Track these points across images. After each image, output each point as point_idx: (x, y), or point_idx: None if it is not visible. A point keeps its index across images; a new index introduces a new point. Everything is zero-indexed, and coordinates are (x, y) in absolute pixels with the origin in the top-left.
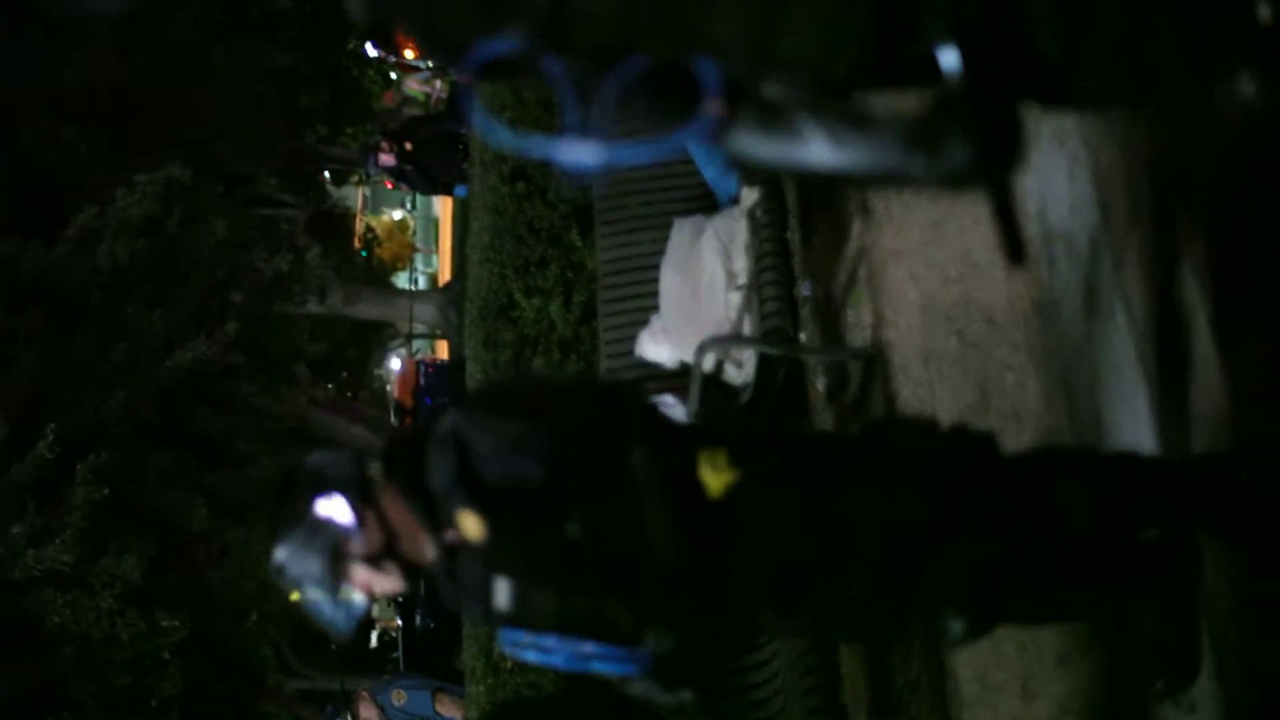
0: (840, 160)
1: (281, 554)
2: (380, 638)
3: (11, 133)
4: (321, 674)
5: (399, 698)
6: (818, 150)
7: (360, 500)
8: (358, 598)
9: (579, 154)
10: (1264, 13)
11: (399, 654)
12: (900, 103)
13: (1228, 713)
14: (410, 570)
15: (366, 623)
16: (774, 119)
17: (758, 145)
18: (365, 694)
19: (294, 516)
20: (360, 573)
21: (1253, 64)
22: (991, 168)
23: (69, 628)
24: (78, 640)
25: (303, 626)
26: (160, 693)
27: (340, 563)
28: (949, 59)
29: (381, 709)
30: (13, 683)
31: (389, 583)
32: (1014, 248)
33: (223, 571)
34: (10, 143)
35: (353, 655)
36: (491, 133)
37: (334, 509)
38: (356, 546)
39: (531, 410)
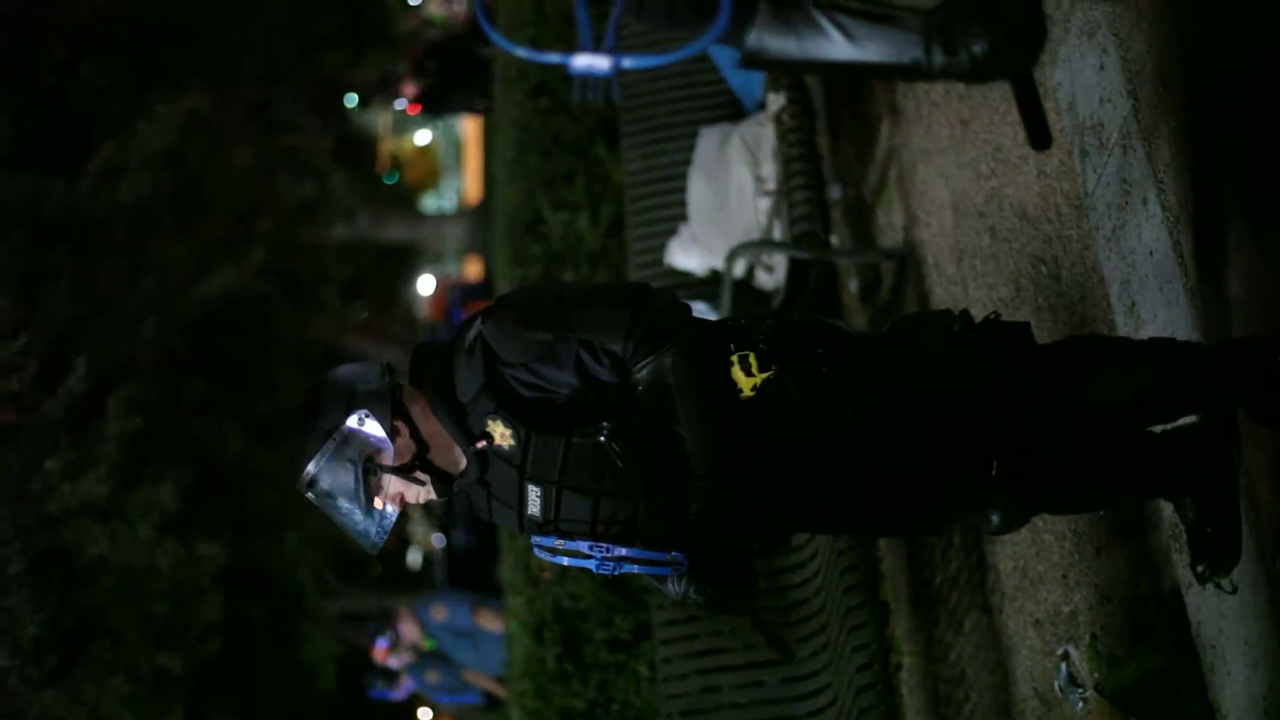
0: (858, 55)
1: (312, 468)
2: (422, 558)
3: (31, 68)
4: (362, 594)
5: (439, 612)
6: (835, 46)
7: (390, 411)
8: (390, 509)
9: (594, 64)
10: None
11: (439, 571)
12: None
13: (1270, 594)
14: (442, 479)
15: (404, 541)
16: (791, 16)
17: (776, 42)
18: (406, 610)
19: (324, 430)
20: (393, 484)
21: None
22: (1010, 58)
23: (108, 558)
24: (117, 570)
25: (341, 548)
26: (200, 620)
27: (372, 475)
28: None
29: (422, 624)
30: (53, 614)
31: (421, 493)
32: (1039, 134)
33: (259, 496)
34: (30, 78)
35: (392, 575)
36: (509, 47)
37: (364, 421)
38: (388, 458)
39: (560, 320)
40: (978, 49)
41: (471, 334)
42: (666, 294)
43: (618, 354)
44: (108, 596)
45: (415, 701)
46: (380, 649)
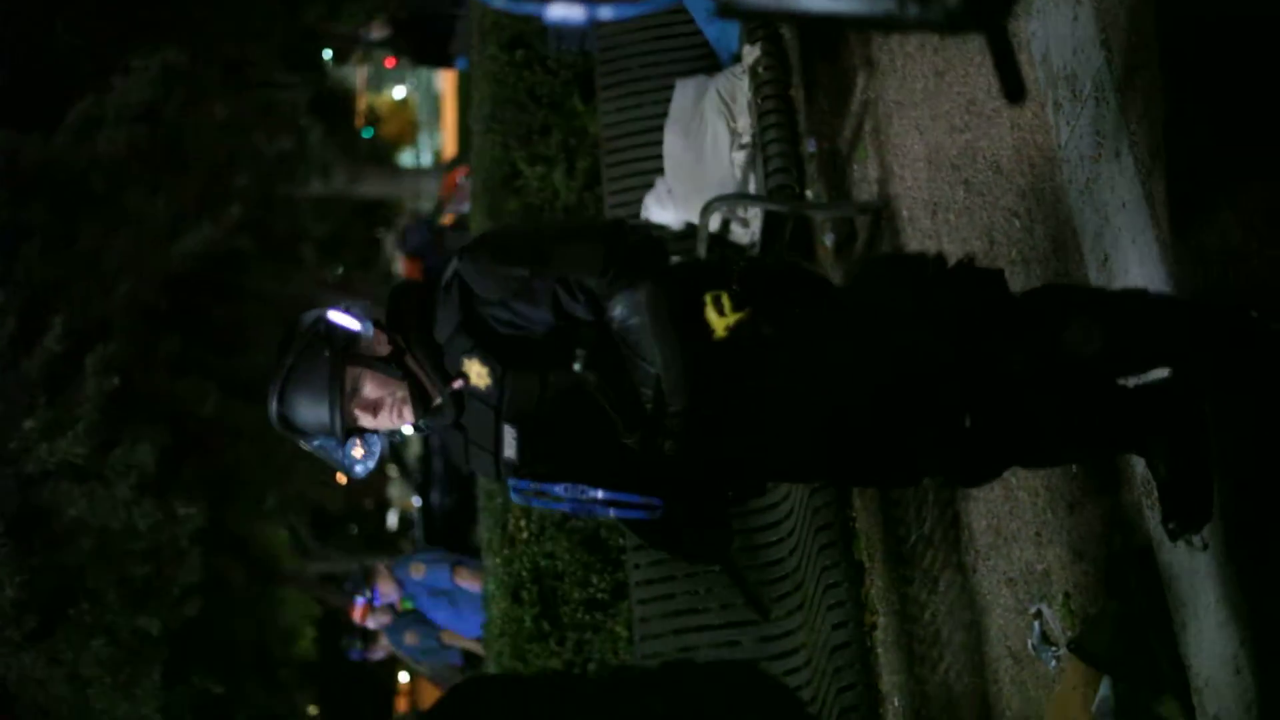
0: (833, 6)
1: (279, 385)
2: (400, 519)
3: (6, 23)
4: (340, 555)
5: (417, 570)
6: None
7: (370, 313)
8: (370, 443)
9: (569, 13)
10: None
11: (417, 532)
12: None
13: (1240, 549)
14: (420, 393)
15: (382, 503)
16: None
17: None
18: (383, 568)
19: (298, 333)
20: (369, 385)
21: None
22: (984, 9)
23: (86, 519)
24: (95, 531)
25: (321, 510)
26: (179, 581)
27: (349, 367)
28: None
29: (400, 583)
30: (31, 576)
31: (397, 409)
32: (1012, 86)
33: (238, 456)
34: (5, 34)
35: (371, 536)
36: None
37: (343, 313)
38: (364, 348)
39: (536, 256)
40: (951, 0)
41: (449, 273)
42: (641, 230)
43: (593, 289)
44: (86, 558)
45: (394, 664)
46: (358, 607)
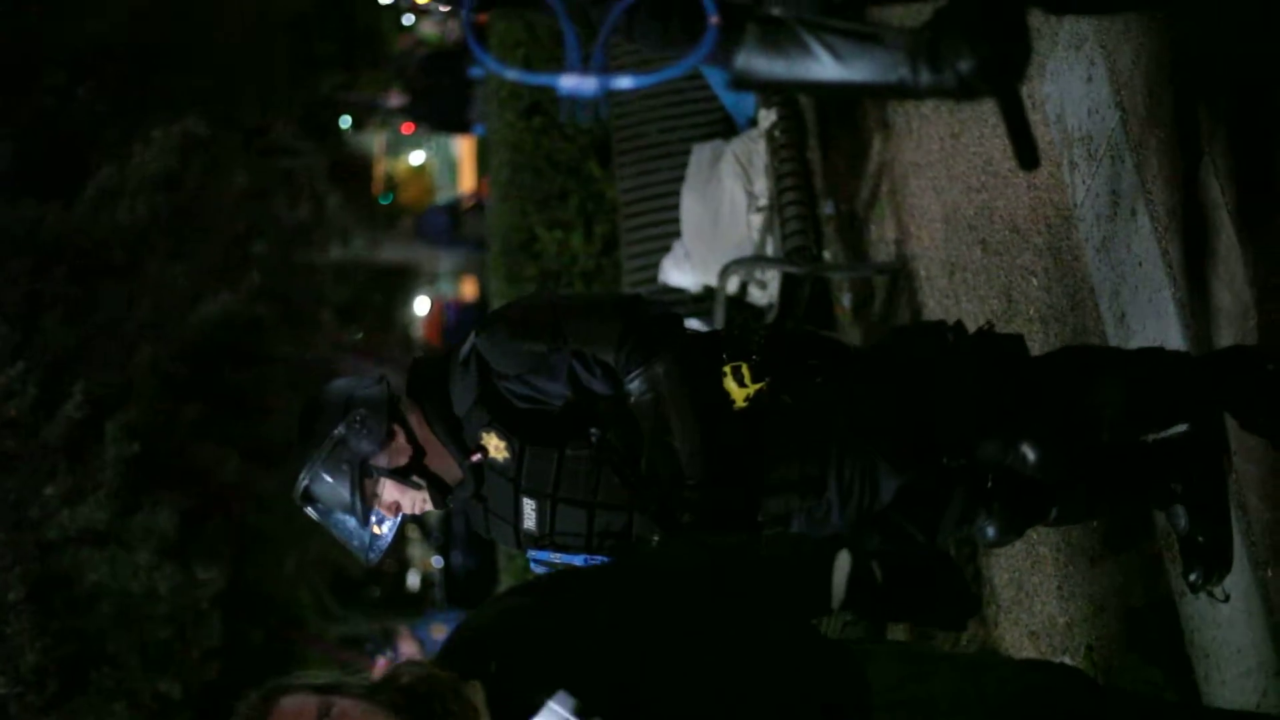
0: (847, 74)
1: (306, 474)
2: (421, 580)
3: (27, 93)
4: (362, 618)
5: (438, 632)
6: (824, 65)
7: (387, 412)
8: (386, 528)
9: (581, 84)
10: None
11: (439, 592)
12: (906, 13)
13: (1263, 601)
14: (439, 487)
15: (403, 563)
16: (778, 36)
17: (764, 63)
18: (405, 630)
19: (319, 435)
20: (388, 488)
21: None
22: (997, 76)
23: (107, 584)
24: (116, 596)
25: (341, 571)
26: (200, 644)
27: (368, 477)
28: None
29: (421, 643)
30: (53, 641)
31: (418, 501)
32: (1026, 152)
33: (258, 520)
34: (27, 104)
35: (392, 599)
36: (497, 68)
37: (360, 421)
38: (384, 459)
39: (553, 331)
40: (964, 67)
41: (466, 347)
42: (658, 305)
43: (610, 364)
44: (107, 622)
45: None
46: (380, 667)
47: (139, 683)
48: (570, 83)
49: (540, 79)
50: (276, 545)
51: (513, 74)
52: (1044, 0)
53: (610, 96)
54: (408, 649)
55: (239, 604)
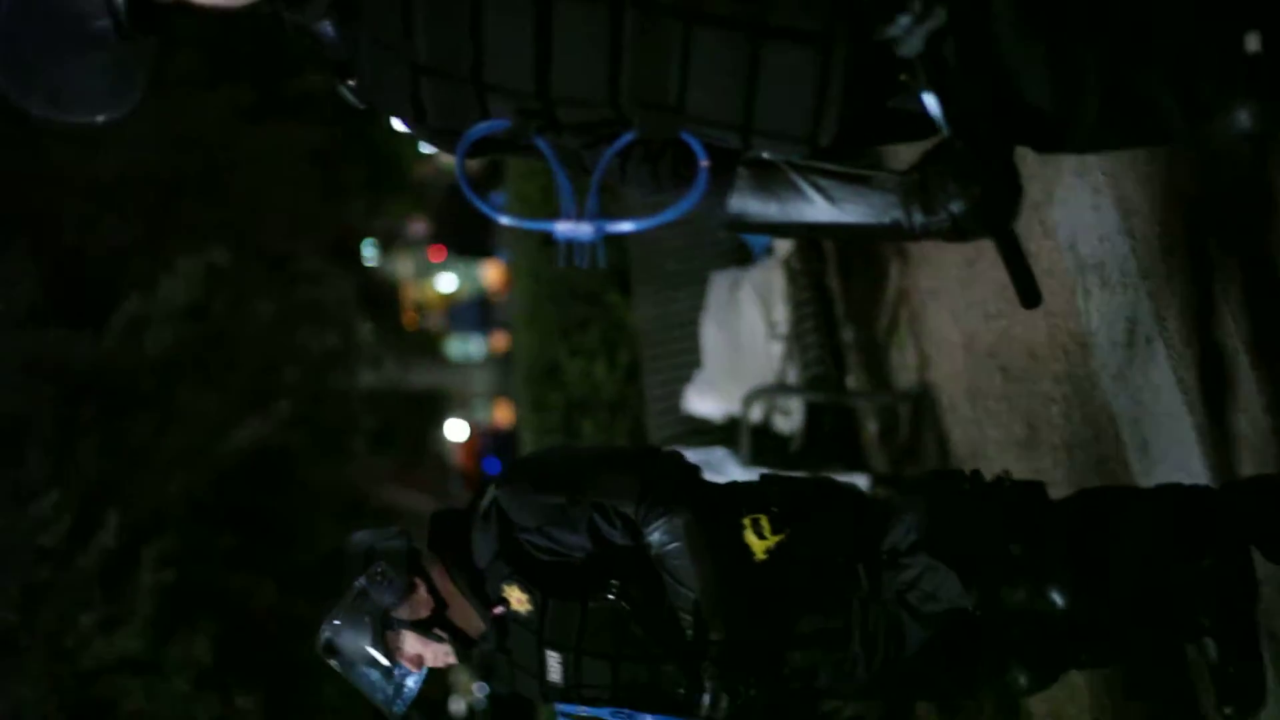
0: (840, 217)
1: (328, 629)
2: (466, 709)
3: (53, 225)
4: None
5: None
6: (816, 208)
7: (406, 564)
8: (410, 681)
9: (577, 230)
10: (1251, 44)
11: None
12: (895, 155)
13: None
14: (462, 639)
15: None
16: (770, 179)
17: (757, 206)
18: None
19: (342, 589)
20: (410, 642)
21: (1247, 95)
22: (989, 216)
23: (145, 712)
24: None
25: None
26: None
27: (390, 630)
28: (932, 106)
29: None
30: None
31: (440, 654)
32: (1027, 291)
33: (296, 647)
34: (53, 235)
35: None
36: (491, 214)
37: (380, 574)
38: (405, 612)
39: (573, 484)
40: (955, 208)
41: (486, 500)
42: (675, 456)
43: (630, 517)
44: None
45: None
46: None
47: None
48: (566, 228)
49: (535, 225)
50: (315, 672)
51: (506, 220)
52: (1033, 140)
53: (606, 242)
54: None
55: None
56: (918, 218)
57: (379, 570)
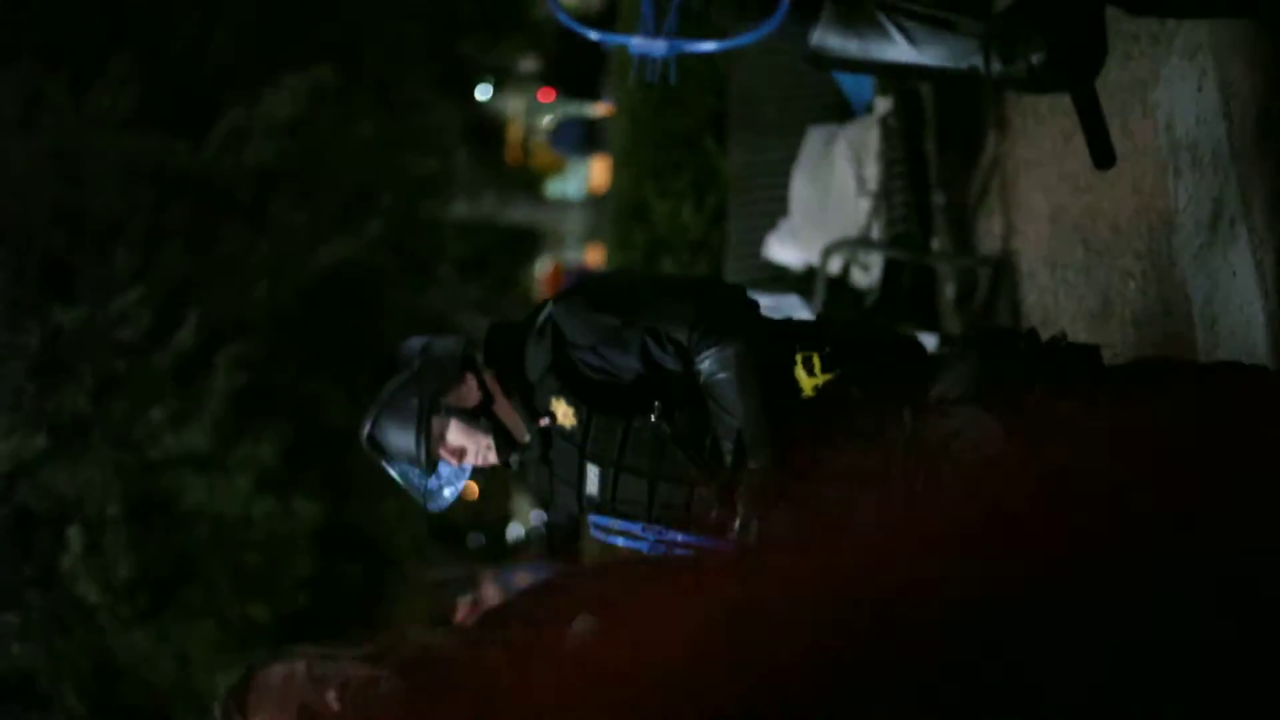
0: (918, 58)
1: (373, 414)
2: (525, 533)
3: (165, 34)
4: (457, 563)
5: (523, 580)
6: (897, 48)
7: (461, 356)
8: (448, 492)
9: (652, 46)
10: None
11: (538, 549)
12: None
13: None
14: (505, 438)
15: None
16: (855, 16)
17: (838, 41)
18: (489, 575)
19: (389, 399)
20: (454, 432)
21: None
22: (1068, 70)
23: (205, 507)
24: (212, 520)
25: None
26: (292, 574)
27: (436, 415)
28: None
29: (504, 589)
30: (148, 557)
31: (482, 449)
32: (1100, 151)
33: (361, 463)
34: (163, 44)
35: (491, 550)
36: (576, 26)
37: (433, 360)
38: (453, 399)
39: (629, 306)
40: (1035, 59)
41: (542, 316)
42: (737, 289)
43: (683, 343)
44: (202, 544)
45: None
46: (462, 607)
47: (228, 604)
48: (641, 44)
49: (616, 39)
50: (377, 489)
51: (594, 34)
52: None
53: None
54: (490, 593)
55: (336, 541)
56: (996, 66)
57: (431, 358)
